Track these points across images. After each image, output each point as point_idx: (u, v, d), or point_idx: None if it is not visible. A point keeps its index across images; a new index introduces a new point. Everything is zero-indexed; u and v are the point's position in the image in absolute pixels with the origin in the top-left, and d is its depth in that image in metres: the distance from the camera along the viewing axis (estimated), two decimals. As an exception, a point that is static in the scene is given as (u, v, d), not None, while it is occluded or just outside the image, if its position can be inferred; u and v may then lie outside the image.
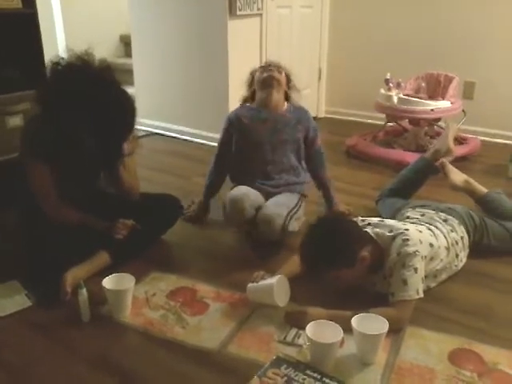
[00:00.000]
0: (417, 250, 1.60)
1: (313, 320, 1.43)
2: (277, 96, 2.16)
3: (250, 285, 1.69)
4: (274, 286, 1.61)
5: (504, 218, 2.01)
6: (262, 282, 1.66)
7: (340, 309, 1.54)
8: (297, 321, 1.55)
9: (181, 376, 1.39)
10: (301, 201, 2.18)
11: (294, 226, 2.06)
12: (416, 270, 1.57)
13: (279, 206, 2.04)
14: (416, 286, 1.56)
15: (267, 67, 2.20)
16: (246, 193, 2.04)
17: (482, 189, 2.16)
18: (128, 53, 4.47)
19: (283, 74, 2.20)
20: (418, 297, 1.56)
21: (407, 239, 1.62)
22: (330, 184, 2.33)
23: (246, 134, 2.18)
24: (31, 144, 1.76)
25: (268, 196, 2.13)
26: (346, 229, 1.65)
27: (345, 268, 1.59)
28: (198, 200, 2.36)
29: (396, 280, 1.58)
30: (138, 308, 1.67)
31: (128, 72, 4.15)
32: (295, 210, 2.09)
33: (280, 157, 2.17)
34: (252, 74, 2.26)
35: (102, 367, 1.42)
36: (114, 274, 1.65)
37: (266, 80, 2.15)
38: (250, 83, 2.26)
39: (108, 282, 1.61)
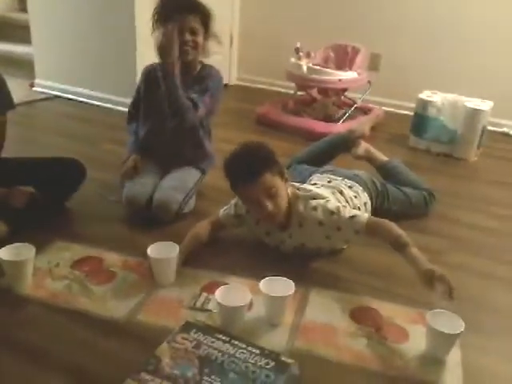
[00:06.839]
0: (327, 200, 1.70)
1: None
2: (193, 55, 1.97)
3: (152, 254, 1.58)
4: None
5: (402, 183, 2.14)
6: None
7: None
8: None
9: (88, 346, 1.35)
10: (201, 179, 2.13)
11: (190, 205, 2.03)
12: (338, 207, 1.66)
13: (175, 188, 1.97)
14: (353, 212, 1.67)
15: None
16: (140, 189, 1.97)
17: (383, 157, 2.28)
18: (24, 7, 4.12)
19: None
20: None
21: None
22: None
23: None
24: None
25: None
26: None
27: (279, 176, 1.62)
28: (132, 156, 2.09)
29: (347, 227, 1.64)
30: (40, 279, 1.59)
31: (24, 28, 3.84)
32: (192, 191, 2.03)
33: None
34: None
35: (3, 345, 1.34)
36: (11, 245, 1.54)
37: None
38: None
39: (5, 253, 1.50)
